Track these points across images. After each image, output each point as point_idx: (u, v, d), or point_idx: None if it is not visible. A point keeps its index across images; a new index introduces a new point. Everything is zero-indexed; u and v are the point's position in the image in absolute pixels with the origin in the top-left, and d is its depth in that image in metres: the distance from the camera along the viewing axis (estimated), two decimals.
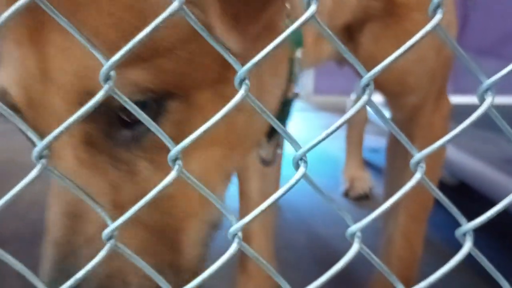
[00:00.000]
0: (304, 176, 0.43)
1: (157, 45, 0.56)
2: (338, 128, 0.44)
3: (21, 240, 1.73)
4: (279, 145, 0.95)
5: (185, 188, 0.62)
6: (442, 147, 1.09)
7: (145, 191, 0.59)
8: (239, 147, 0.70)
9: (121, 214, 0.54)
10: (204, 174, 0.65)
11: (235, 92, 0.56)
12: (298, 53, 0.79)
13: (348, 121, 2.37)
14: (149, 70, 0.56)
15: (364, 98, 0.43)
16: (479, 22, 3.63)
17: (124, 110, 0.54)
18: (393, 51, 0.89)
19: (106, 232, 0.43)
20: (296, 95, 0.85)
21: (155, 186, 0.58)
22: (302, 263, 1.66)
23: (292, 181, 0.43)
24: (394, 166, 1.14)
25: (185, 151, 0.59)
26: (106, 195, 0.61)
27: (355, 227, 0.46)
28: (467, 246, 0.48)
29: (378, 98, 2.27)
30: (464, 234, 0.49)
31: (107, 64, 0.38)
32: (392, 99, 1.08)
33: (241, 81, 0.40)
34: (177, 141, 0.59)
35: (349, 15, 0.88)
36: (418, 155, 0.46)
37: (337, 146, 2.65)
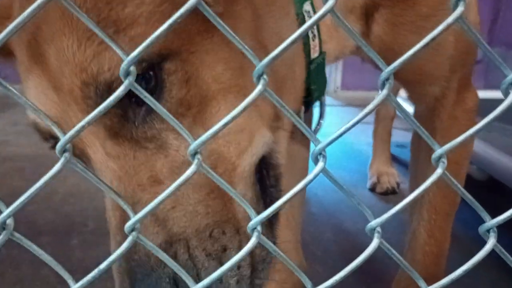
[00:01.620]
0: (323, 171, 0.43)
1: (136, 16, 0.58)
2: (358, 122, 0.43)
3: (56, 232, 1.77)
4: (322, 116, 0.95)
5: (224, 139, 0.64)
6: (469, 141, 1.06)
7: (179, 160, 0.62)
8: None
9: (163, 189, 0.58)
10: (236, 127, 0.66)
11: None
12: (307, 7, 0.79)
13: (376, 117, 2.35)
14: (139, 41, 0.57)
15: (384, 92, 0.42)
16: (511, 16, 3.54)
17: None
18: (412, 39, 0.88)
19: (128, 224, 0.44)
20: (323, 54, 0.83)
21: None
22: (329, 257, 1.66)
23: (310, 176, 0.42)
24: (418, 160, 1.12)
25: (211, 104, 0.62)
26: (145, 177, 0.62)
27: (374, 223, 0.45)
28: (491, 242, 0.47)
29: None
30: (488, 231, 0.48)
31: (126, 60, 0.38)
32: (411, 89, 1.05)
33: (259, 76, 0.40)
34: (188, 97, 0.61)
35: None
36: (439, 150, 0.45)
37: (364, 141, 2.64)
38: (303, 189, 0.94)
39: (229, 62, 0.65)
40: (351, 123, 0.43)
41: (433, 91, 0.98)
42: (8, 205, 0.43)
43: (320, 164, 0.43)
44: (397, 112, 2.31)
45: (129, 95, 0.57)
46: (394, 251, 0.46)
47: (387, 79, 0.42)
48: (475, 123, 1.05)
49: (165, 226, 0.61)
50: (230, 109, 0.61)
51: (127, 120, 0.61)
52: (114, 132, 0.62)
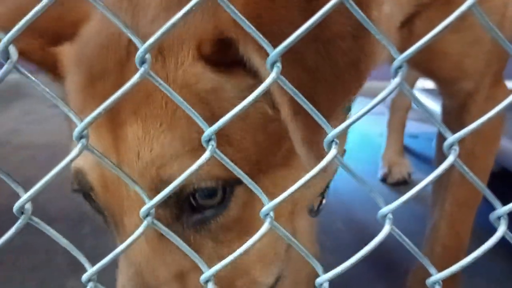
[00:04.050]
0: (335, 157, 0.44)
1: (229, 137, 0.61)
2: (370, 109, 0.44)
3: (68, 220, 1.79)
4: (324, 196, 0.96)
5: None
6: (496, 136, 1.06)
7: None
8: (299, 211, 0.76)
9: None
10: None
11: (297, 175, 0.63)
12: None
13: (391, 107, 2.34)
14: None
15: (396, 80, 0.43)
16: None
17: (195, 196, 0.62)
18: (447, 37, 0.89)
19: (143, 210, 0.45)
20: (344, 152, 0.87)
21: (218, 262, 0.65)
22: (340, 247, 1.66)
23: (323, 162, 0.43)
24: (443, 155, 1.12)
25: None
26: (175, 275, 0.66)
27: (386, 209, 0.46)
28: (502, 230, 0.48)
29: (428, 84, 2.22)
30: (499, 218, 0.49)
31: (142, 47, 0.39)
32: (446, 85, 1.05)
33: (273, 64, 0.41)
34: (240, 222, 0.65)
35: (406, 11, 0.87)
36: (450, 138, 0.46)
37: (376, 132, 2.63)
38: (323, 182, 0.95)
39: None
40: (363, 110, 0.43)
41: (467, 87, 0.99)
42: (25, 192, 0.44)
43: (333, 151, 0.43)
44: (412, 104, 2.31)
45: (191, 203, 0.63)
46: (405, 238, 0.47)
47: (400, 67, 0.42)
48: (503, 118, 1.06)
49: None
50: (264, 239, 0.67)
51: (178, 220, 0.64)
52: (161, 221, 0.64)
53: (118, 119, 0.61)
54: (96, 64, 0.63)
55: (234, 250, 0.64)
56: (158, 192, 0.57)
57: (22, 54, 0.71)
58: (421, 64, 1.00)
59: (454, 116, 1.05)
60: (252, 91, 0.55)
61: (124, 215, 0.65)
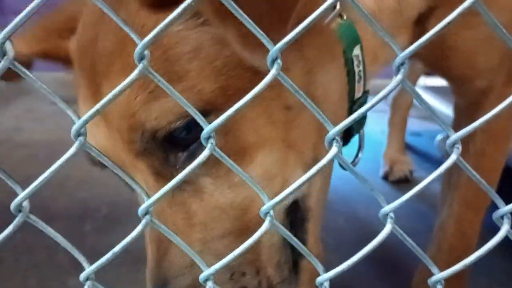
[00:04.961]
0: (336, 156, 0.43)
1: (186, 70, 0.61)
2: (372, 106, 0.43)
3: (69, 218, 1.78)
4: (360, 148, 0.93)
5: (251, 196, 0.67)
6: (507, 136, 1.05)
7: (212, 204, 0.66)
8: (300, 145, 0.72)
9: (197, 232, 0.65)
10: (268, 174, 0.68)
11: (272, 94, 0.63)
12: (357, 51, 0.78)
13: (393, 105, 2.32)
14: (187, 94, 0.59)
15: (398, 77, 0.42)
16: None
17: (170, 136, 0.62)
18: (459, 33, 0.88)
19: (142, 208, 0.44)
20: (367, 93, 0.84)
21: (222, 198, 0.65)
22: (341, 245, 1.65)
23: (323, 160, 0.42)
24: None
25: (248, 153, 0.65)
26: (179, 217, 0.67)
27: (388, 208, 0.45)
28: (505, 229, 0.47)
29: (436, 82, 2.20)
30: (502, 217, 0.48)
31: (141, 43, 0.39)
32: (458, 83, 1.04)
33: (273, 61, 0.40)
34: (226, 148, 0.63)
35: (419, 5, 0.86)
36: (453, 137, 0.45)
37: (377, 130, 2.62)
38: (327, 182, 0.94)
39: (272, 116, 0.67)
40: (365, 107, 0.43)
41: (480, 85, 0.98)
42: (23, 190, 0.44)
43: (334, 149, 0.43)
44: (414, 102, 2.30)
45: (172, 141, 0.63)
46: (406, 236, 0.46)
47: (402, 63, 0.42)
48: None
49: (191, 269, 0.66)
50: (268, 160, 0.67)
51: (168, 163, 0.65)
52: (156, 171, 0.66)
53: (96, 82, 0.66)
54: (85, 35, 0.69)
55: (234, 182, 0.66)
56: (137, 139, 0.63)
57: (46, 54, 0.79)
58: (433, 61, 0.99)
59: (467, 116, 1.04)
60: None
61: (131, 174, 0.67)
